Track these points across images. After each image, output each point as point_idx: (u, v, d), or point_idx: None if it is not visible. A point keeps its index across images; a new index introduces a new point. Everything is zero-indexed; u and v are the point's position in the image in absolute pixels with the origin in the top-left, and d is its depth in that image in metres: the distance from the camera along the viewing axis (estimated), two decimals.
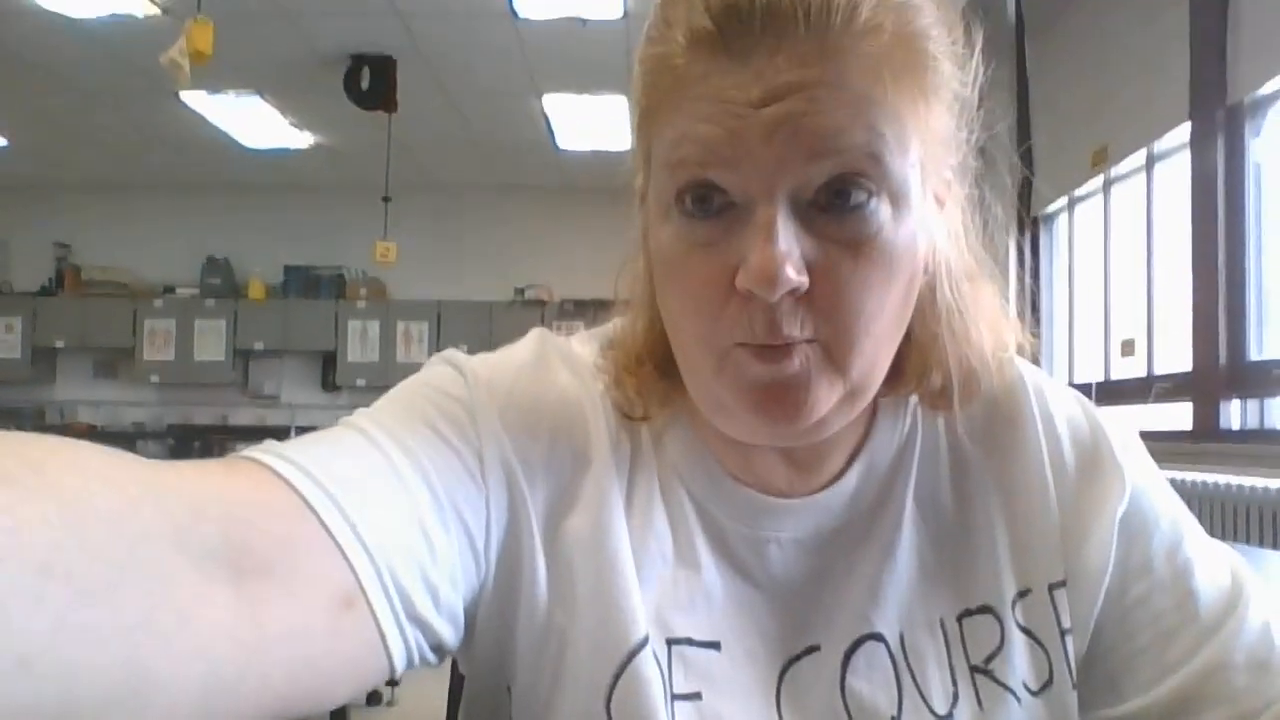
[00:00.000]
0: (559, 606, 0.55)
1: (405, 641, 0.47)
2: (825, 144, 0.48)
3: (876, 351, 0.53)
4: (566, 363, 0.61)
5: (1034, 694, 0.58)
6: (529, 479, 0.56)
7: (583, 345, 0.64)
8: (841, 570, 0.59)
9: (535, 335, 0.63)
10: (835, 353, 0.51)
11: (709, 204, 0.50)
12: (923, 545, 0.61)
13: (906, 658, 0.58)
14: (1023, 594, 0.60)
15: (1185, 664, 0.58)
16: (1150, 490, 0.63)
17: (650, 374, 0.59)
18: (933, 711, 0.56)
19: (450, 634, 0.51)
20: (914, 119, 0.50)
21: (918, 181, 0.52)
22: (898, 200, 0.50)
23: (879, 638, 0.58)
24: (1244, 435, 2.82)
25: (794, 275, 0.48)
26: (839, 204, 0.49)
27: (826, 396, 0.52)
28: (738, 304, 0.50)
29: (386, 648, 0.46)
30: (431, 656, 0.50)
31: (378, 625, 0.45)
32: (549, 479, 0.57)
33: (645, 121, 0.54)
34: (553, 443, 0.57)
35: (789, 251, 0.48)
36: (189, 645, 0.37)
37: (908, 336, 0.56)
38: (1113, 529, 0.60)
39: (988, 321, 0.60)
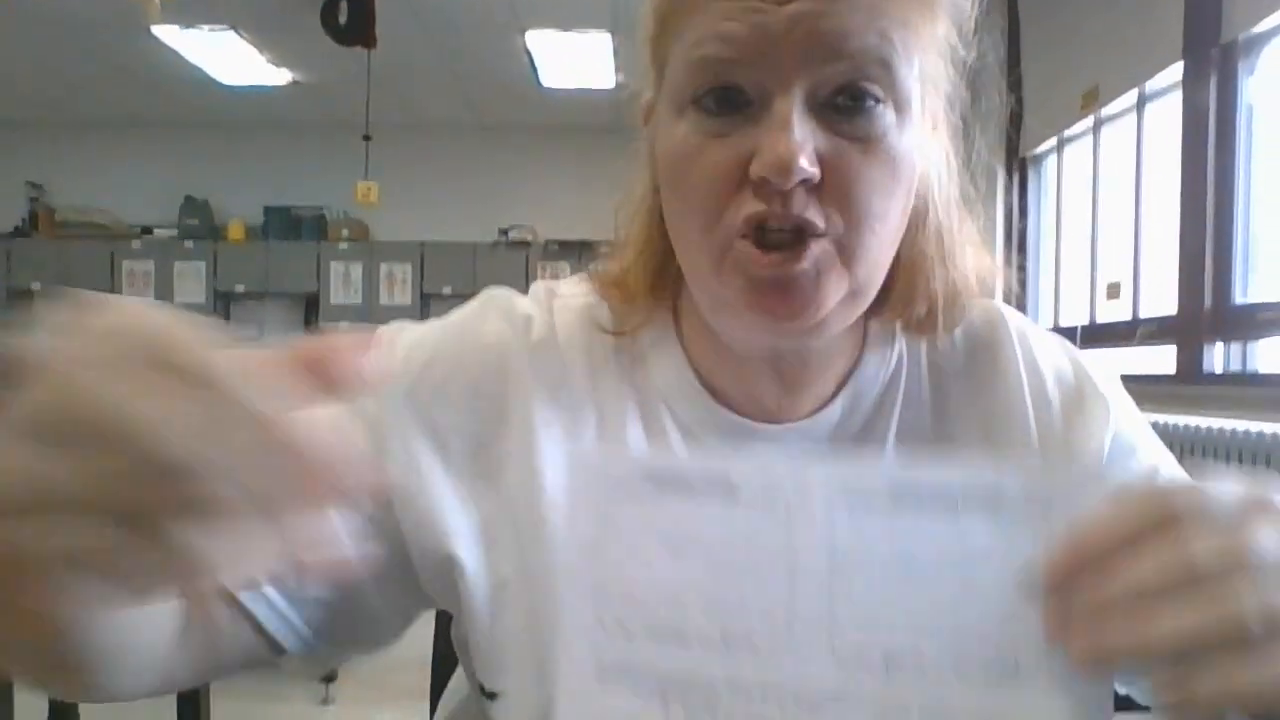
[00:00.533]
0: (503, 558, 0.59)
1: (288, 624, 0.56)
2: (840, 45, 0.51)
3: (880, 253, 0.56)
4: (505, 315, 0.64)
5: None
6: (441, 446, 0.60)
7: (571, 286, 0.67)
8: None
9: (481, 296, 0.66)
10: (845, 247, 0.53)
11: (728, 102, 0.53)
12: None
13: None
14: None
15: None
16: (1131, 423, 0.65)
17: (635, 285, 0.62)
18: None
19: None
20: (918, 31, 0.53)
21: (918, 95, 0.55)
22: (901, 108, 0.54)
23: None
24: (1227, 379, 2.85)
25: (807, 165, 0.50)
26: (850, 105, 0.53)
27: (834, 293, 0.54)
28: (748, 194, 0.52)
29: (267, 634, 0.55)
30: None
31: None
32: (467, 437, 0.61)
33: (663, 26, 0.56)
34: (472, 398, 0.61)
35: (803, 143, 0.51)
36: None
37: (896, 257, 0.58)
38: (1101, 456, 0.62)
39: (973, 249, 0.62)
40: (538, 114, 6.56)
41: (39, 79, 6.16)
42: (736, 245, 0.53)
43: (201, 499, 0.29)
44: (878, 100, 0.53)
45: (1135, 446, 0.64)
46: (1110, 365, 0.68)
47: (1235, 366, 2.85)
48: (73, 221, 7.01)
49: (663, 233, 0.60)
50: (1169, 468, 0.65)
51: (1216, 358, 2.88)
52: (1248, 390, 2.72)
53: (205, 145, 7.06)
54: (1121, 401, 0.66)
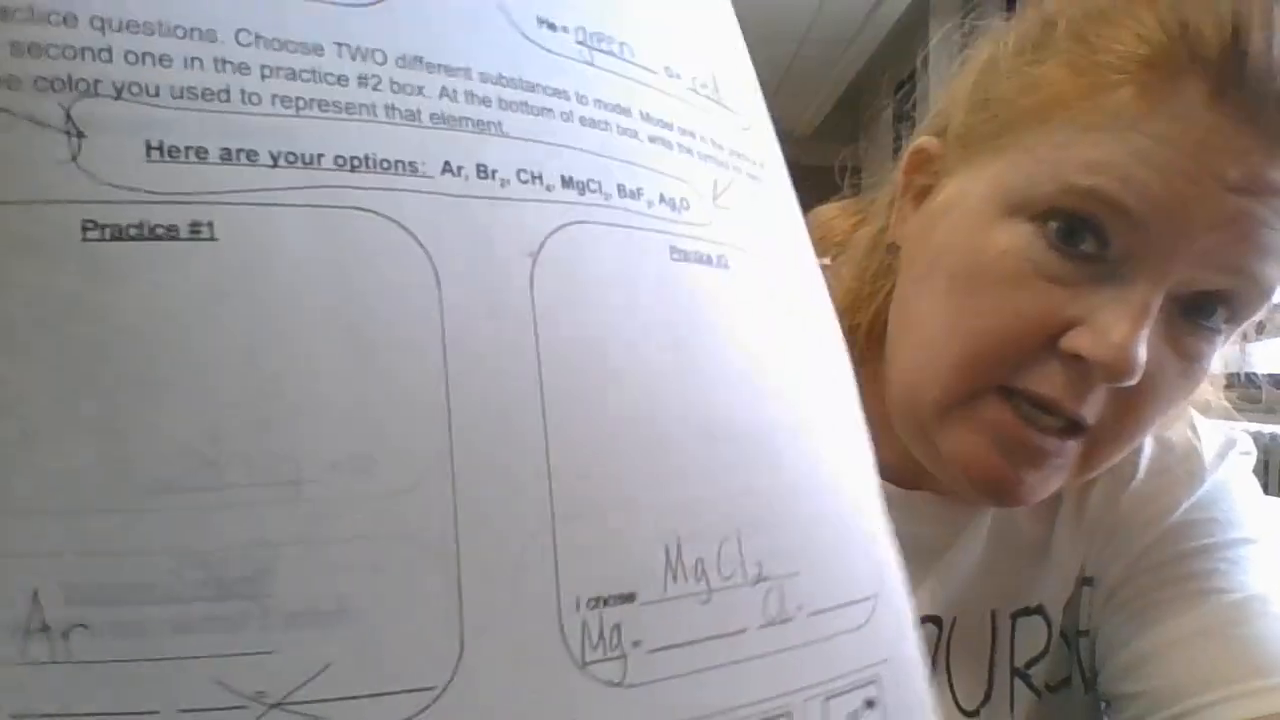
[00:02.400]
0: None
1: None
2: (1248, 262, 0.44)
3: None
4: None
5: (1051, 690, 0.57)
6: None
7: None
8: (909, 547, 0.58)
9: None
10: (1099, 450, 0.48)
11: (1076, 244, 0.45)
12: (992, 532, 0.58)
13: (949, 647, 0.56)
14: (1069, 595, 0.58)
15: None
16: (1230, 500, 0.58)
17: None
18: (960, 708, 0.55)
19: None
20: None
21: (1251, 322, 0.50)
22: (1231, 331, 0.49)
23: (936, 621, 0.56)
24: None
25: (1143, 368, 0.44)
26: (1197, 316, 0.46)
27: (1056, 484, 0.49)
28: (1051, 361, 0.45)
29: None
30: None
31: None
32: None
33: (1038, 101, 0.47)
34: None
35: (1145, 340, 0.44)
36: None
37: None
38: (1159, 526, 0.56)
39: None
40: None
41: None
42: (990, 401, 0.47)
43: None
44: (1227, 321, 0.47)
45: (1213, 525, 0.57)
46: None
47: None
48: None
49: (875, 290, 0.54)
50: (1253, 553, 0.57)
51: None
52: None
53: None
54: (1231, 480, 0.59)
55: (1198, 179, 0.42)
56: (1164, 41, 0.44)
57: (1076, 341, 0.44)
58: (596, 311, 0.21)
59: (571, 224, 0.21)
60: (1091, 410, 0.46)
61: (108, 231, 0.17)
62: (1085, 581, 0.58)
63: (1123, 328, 0.43)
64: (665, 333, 0.22)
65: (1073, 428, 0.46)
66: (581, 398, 0.20)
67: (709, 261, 0.23)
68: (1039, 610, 0.58)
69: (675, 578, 0.21)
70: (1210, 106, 0.42)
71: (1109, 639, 0.56)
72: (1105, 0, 0.47)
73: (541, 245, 0.20)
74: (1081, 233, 0.45)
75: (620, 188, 0.22)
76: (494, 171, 0.20)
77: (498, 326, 0.20)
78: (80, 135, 0.17)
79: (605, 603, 0.20)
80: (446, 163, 0.19)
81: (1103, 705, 0.58)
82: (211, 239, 0.18)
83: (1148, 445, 0.58)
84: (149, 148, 0.17)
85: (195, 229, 0.17)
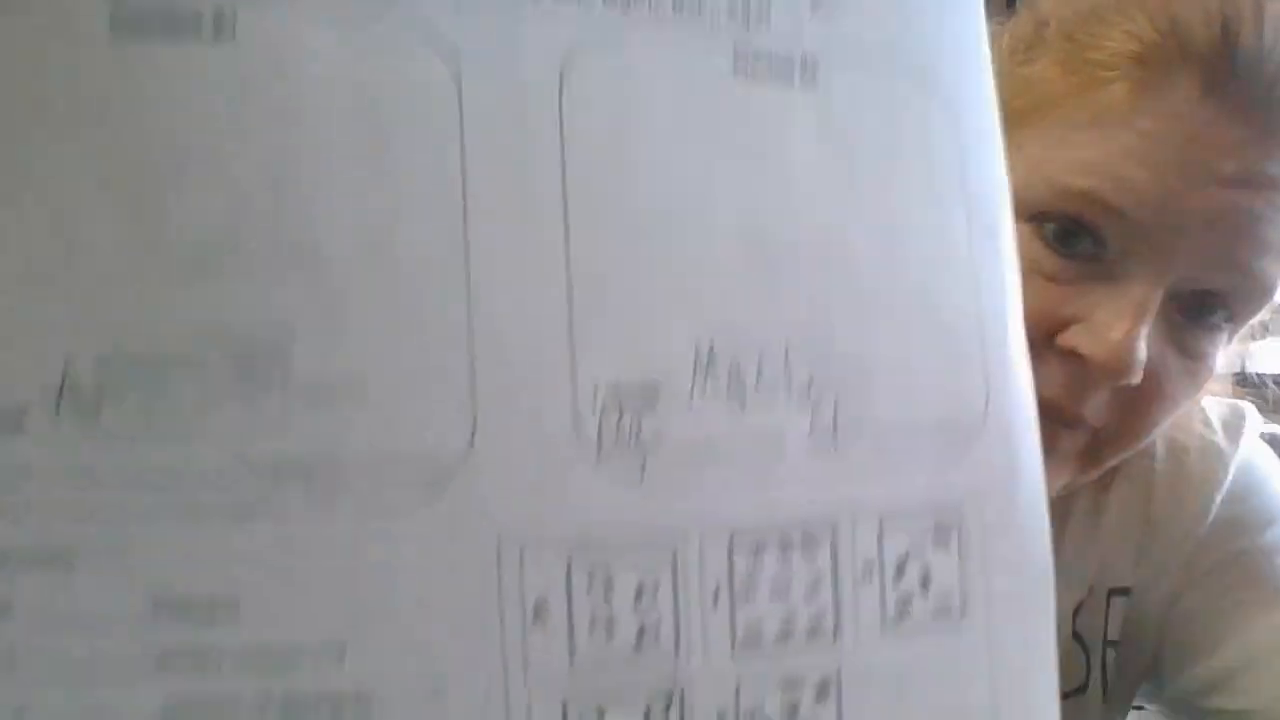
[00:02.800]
0: None
1: None
2: (1245, 257, 0.43)
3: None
4: None
5: (1062, 698, 0.55)
6: None
7: None
8: None
9: None
10: (1101, 448, 0.47)
11: (1072, 245, 0.44)
12: None
13: None
14: (1083, 600, 0.57)
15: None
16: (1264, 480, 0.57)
17: None
18: None
19: None
20: None
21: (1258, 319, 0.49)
22: (1236, 329, 0.48)
23: None
24: None
25: (1142, 366, 0.43)
26: (1199, 314, 0.45)
27: (1057, 481, 0.47)
28: (1050, 359, 0.44)
29: None
30: None
31: None
32: None
33: (1040, 97, 0.46)
34: None
35: (1145, 338, 0.43)
36: None
37: None
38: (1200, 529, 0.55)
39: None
40: None
41: None
42: None
43: None
44: (1228, 320, 0.46)
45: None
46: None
47: None
48: None
49: None
50: None
51: None
52: None
53: None
54: (1255, 456, 0.57)
55: (1191, 175, 0.42)
56: (1154, 38, 0.43)
57: (1075, 339, 0.43)
58: (631, 120, 0.20)
59: (612, 36, 0.20)
60: (1093, 411, 0.45)
61: (134, 21, 0.18)
62: (1116, 592, 0.56)
63: (1121, 325, 0.42)
64: (713, 144, 0.21)
65: (1072, 421, 0.45)
66: (608, 203, 0.20)
67: (788, 76, 0.22)
68: None
69: (705, 380, 0.20)
70: (1202, 102, 0.42)
71: (1176, 654, 0.54)
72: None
73: (574, 57, 0.20)
74: (1078, 233, 0.44)
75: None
76: None
77: (521, 130, 0.19)
78: None
79: (625, 395, 0.20)
80: None
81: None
82: (232, 36, 0.18)
83: (1160, 450, 0.56)
84: None
85: (219, 22, 0.18)
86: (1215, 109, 0.42)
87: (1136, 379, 0.43)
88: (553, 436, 0.19)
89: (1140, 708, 0.59)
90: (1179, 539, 0.55)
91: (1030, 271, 0.41)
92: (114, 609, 0.19)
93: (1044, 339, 0.44)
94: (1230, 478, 0.55)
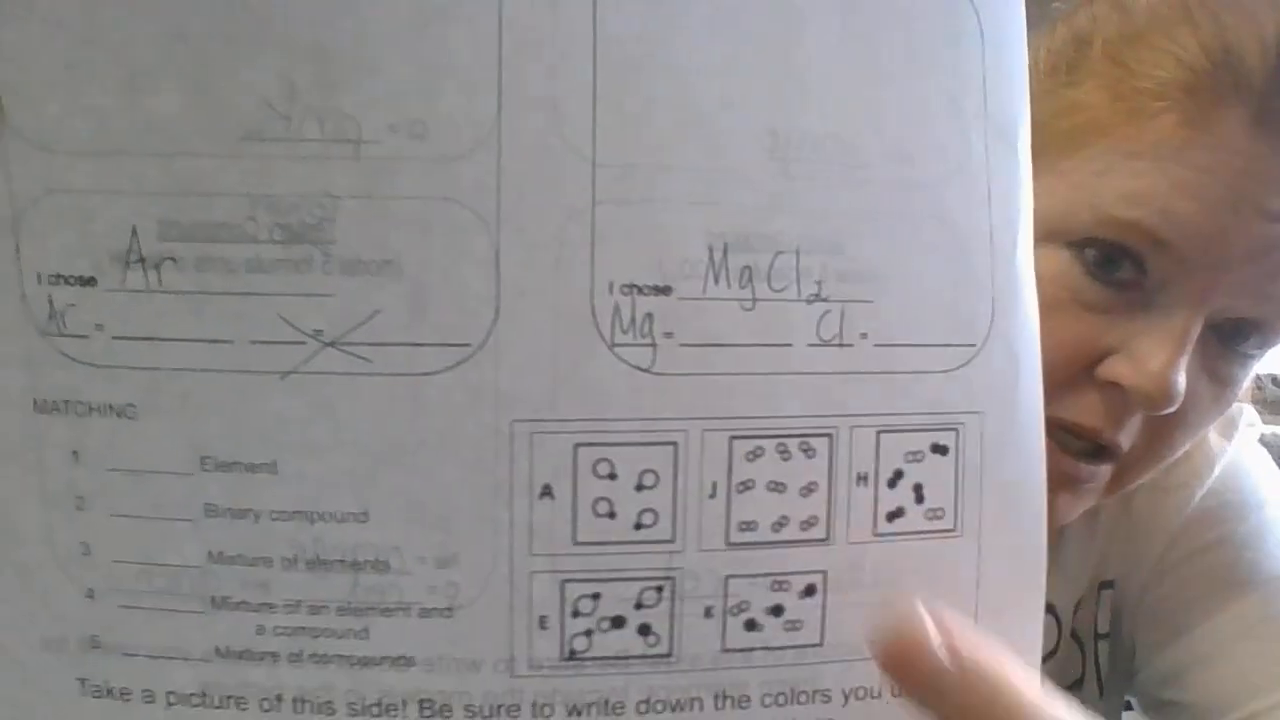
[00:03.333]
0: None
1: None
2: None
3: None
4: None
5: None
6: None
7: None
8: None
9: None
10: (1129, 473, 0.47)
11: (1113, 271, 0.43)
12: None
13: None
14: (1082, 596, 0.57)
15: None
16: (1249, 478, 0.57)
17: None
18: None
19: None
20: None
21: None
22: (1263, 354, 0.48)
23: None
24: None
25: (1181, 396, 0.43)
26: (1233, 342, 0.45)
27: (1083, 508, 0.48)
28: (1088, 389, 0.44)
29: None
30: None
31: None
32: None
33: (1085, 122, 0.45)
34: None
35: (1184, 368, 0.43)
36: None
37: None
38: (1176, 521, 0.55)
39: None
40: None
41: None
42: None
43: None
44: (1260, 347, 0.46)
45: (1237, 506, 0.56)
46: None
47: None
48: None
49: None
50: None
51: None
52: None
53: None
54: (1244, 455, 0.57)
55: (1238, 209, 0.41)
56: (1206, 67, 0.42)
57: (1115, 369, 0.43)
58: (661, 12, 0.21)
59: None
60: (1127, 437, 0.45)
61: None
62: (1104, 585, 0.56)
63: (1162, 356, 0.42)
64: (741, 36, 0.22)
65: (1103, 452, 0.45)
66: (635, 93, 0.21)
67: None
68: (1050, 610, 0.55)
69: (717, 280, 0.22)
70: (1253, 135, 0.41)
71: (1144, 645, 0.54)
72: (1142, 20, 0.45)
73: None
74: (1119, 261, 0.43)
75: None
76: None
77: (555, 12, 0.21)
78: None
79: (639, 290, 0.21)
80: None
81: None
82: None
83: None
84: None
85: None
86: (1265, 143, 0.41)
87: (1175, 408, 0.42)
88: (569, 325, 0.21)
89: (1130, 707, 0.59)
90: (1155, 531, 0.55)
91: (1070, 300, 0.43)
92: (167, 462, 0.21)
93: (1083, 369, 0.44)
94: (1214, 475, 0.55)
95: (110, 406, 0.21)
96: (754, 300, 0.22)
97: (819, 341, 0.22)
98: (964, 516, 0.23)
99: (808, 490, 0.22)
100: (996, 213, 0.23)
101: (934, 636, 0.21)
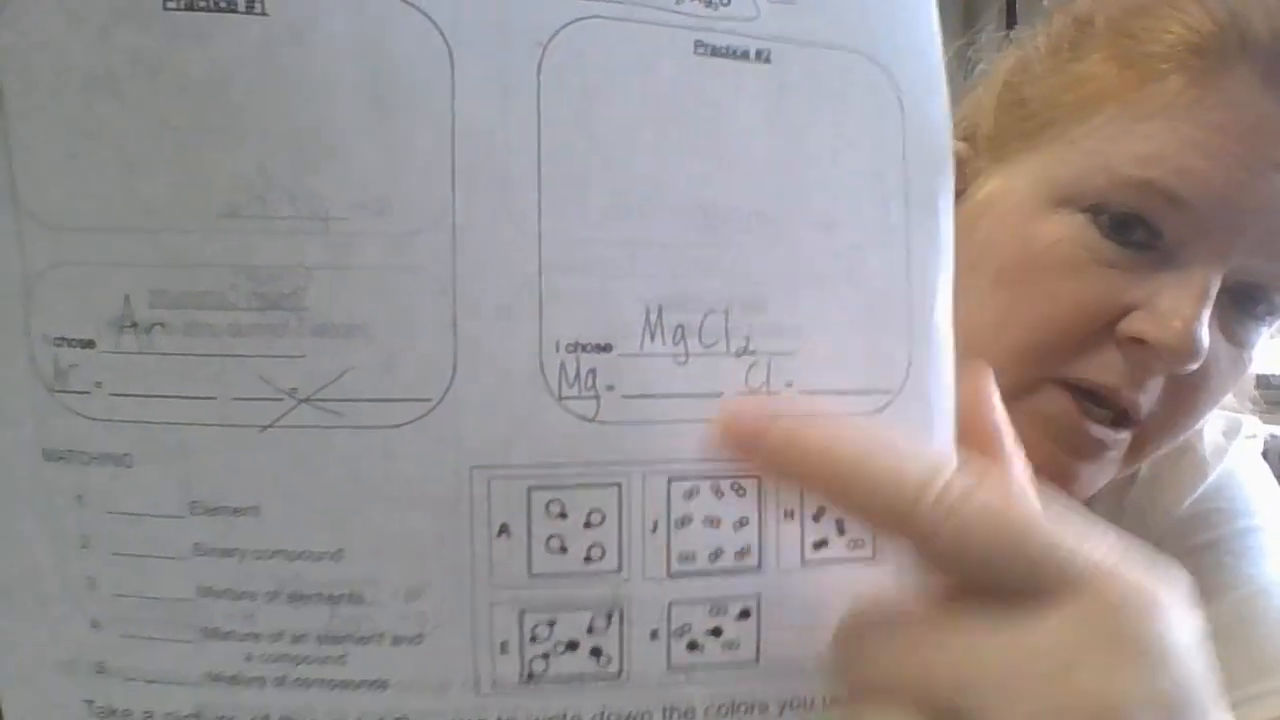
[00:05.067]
0: None
1: None
2: None
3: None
4: None
5: None
6: None
7: None
8: None
9: None
10: (1149, 441, 0.47)
11: (1127, 234, 0.44)
12: None
13: None
14: None
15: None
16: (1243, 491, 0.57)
17: None
18: None
19: None
20: None
21: None
22: (1274, 323, 0.48)
23: None
24: None
25: (1205, 351, 0.43)
26: (1251, 304, 0.46)
27: (1104, 480, 0.48)
28: (1109, 348, 0.45)
29: None
30: None
31: None
32: None
33: (1079, 99, 0.46)
34: None
35: (1207, 323, 0.43)
36: None
37: None
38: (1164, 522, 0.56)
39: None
40: None
41: None
42: (1049, 393, 0.46)
43: None
44: (1270, 312, 0.47)
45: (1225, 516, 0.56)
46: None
47: None
48: None
49: None
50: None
51: None
52: None
53: None
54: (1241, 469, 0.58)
55: (1251, 164, 0.42)
56: (1213, 29, 0.43)
57: (1138, 325, 0.43)
58: (599, 97, 0.23)
59: (586, 19, 0.23)
60: (1148, 399, 0.45)
61: (183, 3, 0.21)
62: None
63: (1185, 310, 0.43)
64: (671, 118, 0.24)
65: (1123, 418, 0.46)
66: (576, 174, 0.23)
67: (745, 56, 0.24)
68: None
69: (653, 337, 0.24)
70: (1262, 91, 0.42)
71: None
72: None
73: (552, 37, 0.23)
74: (1133, 224, 0.44)
75: None
76: None
77: (504, 104, 0.23)
78: None
79: (583, 348, 0.23)
80: None
81: None
82: (263, 13, 0.22)
83: None
84: None
85: (251, 3, 0.22)
86: (1275, 97, 0.42)
87: (1200, 363, 0.43)
88: (520, 380, 0.23)
89: None
90: (1144, 529, 0.55)
91: (1088, 260, 0.44)
92: (160, 507, 0.23)
93: (1103, 327, 0.44)
94: (1209, 479, 0.56)
95: (109, 456, 0.23)
96: (687, 355, 0.24)
97: (747, 390, 0.24)
98: (881, 545, 0.25)
99: (740, 524, 0.25)
100: (915, 275, 0.26)
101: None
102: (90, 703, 0.24)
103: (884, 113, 0.25)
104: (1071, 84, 0.47)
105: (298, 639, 0.24)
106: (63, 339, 0.23)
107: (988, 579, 0.22)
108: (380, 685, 0.24)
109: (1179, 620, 0.22)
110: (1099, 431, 0.45)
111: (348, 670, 0.24)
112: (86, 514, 0.23)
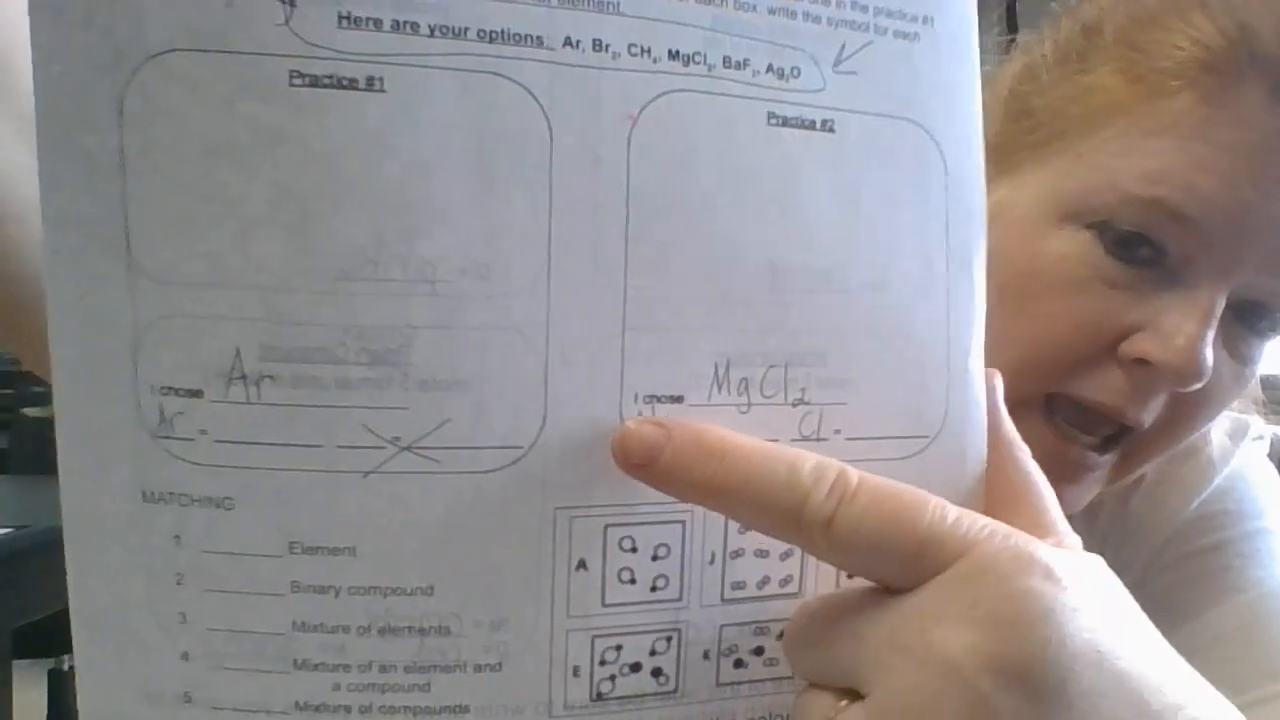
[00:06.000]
0: None
1: None
2: None
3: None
4: None
5: None
6: None
7: None
8: None
9: None
10: (1140, 455, 0.48)
11: (1132, 251, 0.44)
12: None
13: None
14: None
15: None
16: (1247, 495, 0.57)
17: None
18: None
19: None
20: None
21: None
22: (1276, 335, 0.49)
23: None
24: None
25: (1210, 371, 0.43)
26: (1251, 319, 0.46)
27: (1088, 498, 0.48)
28: (1110, 367, 0.45)
29: None
30: None
31: None
32: None
33: (1088, 111, 0.46)
34: None
35: (1211, 342, 0.43)
36: None
37: None
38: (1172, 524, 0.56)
39: None
40: None
41: None
42: (1029, 419, 0.45)
43: None
44: (1273, 328, 0.47)
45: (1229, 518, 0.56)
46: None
47: None
48: None
49: None
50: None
51: None
52: None
53: None
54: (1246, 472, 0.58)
55: (1259, 183, 0.42)
56: (1223, 45, 0.43)
57: (1141, 345, 0.43)
58: (682, 165, 0.25)
59: (672, 92, 0.25)
60: (1150, 415, 0.45)
61: (307, 80, 0.23)
62: None
63: (1189, 330, 0.42)
64: (748, 186, 0.26)
65: (1111, 439, 0.46)
66: (659, 238, 0.25)
67: (811, 125, 0.27)
68: None
69: (720, 389, 0.26)
70: (1271, 110, 0.42)
71: None
72: (1154, 5, 0.46)
73: (642, 109, 0.25)
74: (1138, 242, 0.44)
75: (726, 59, 0.26)
76: (607, 45, 0.25)
77: (596, 173, 0.25)
78: (292, 5, 0.23)
79: (659, 400, 0.26)
80: (568, 37, 0.24)
81: None
82: (381, 90, 0.23)
83: None
84: (339, 16, 0.23)
85: (370, 82, 0.23)
86: (1257, 99, 0.42)
87: (1204, 382, 0.43)
88: (602, 429, 0.25)
89: None
90: (1150, 531, 0.56)
91: (1092, 277, 0.44)
92: (259, 547, 0.25)
93: (1106, 347, 0.44)
94: (1217, 481, 0.57)
95: (210, 499, 0.24)
96: (749, 405, 0.27)
97: (800, 437, 0.27)
98: None
99: (786, 555, 0.27)
100: (953, 328, 0.29)
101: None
102: None
103: (930, 176, 0.28)
104: (1079, 96, 0.47)
105: (385, 669, 0.25)
106: (169, 388, 0.24)
107: (883, 567, 0.23)
108: (461, 710, 0.26)
109: (1050, 590, 0.22)
110: (1080, 455, 0.46)
111: (431, 697, 0.25)
112: (182, 553, 0.24)
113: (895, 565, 0.23)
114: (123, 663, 0.25)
